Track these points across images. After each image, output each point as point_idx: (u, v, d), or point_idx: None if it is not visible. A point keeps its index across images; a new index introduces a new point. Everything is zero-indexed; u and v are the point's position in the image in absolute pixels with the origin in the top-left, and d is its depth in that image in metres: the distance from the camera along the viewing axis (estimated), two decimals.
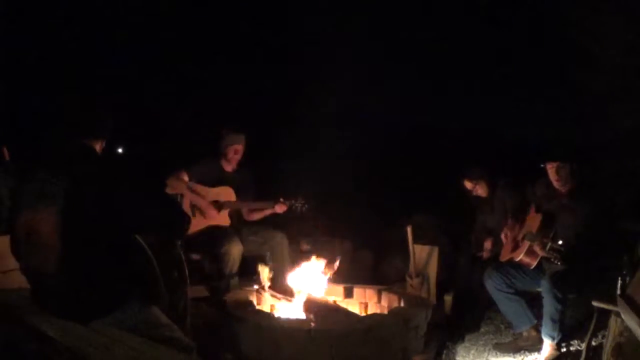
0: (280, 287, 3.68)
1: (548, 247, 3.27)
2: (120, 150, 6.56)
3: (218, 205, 4.13)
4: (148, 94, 6.88)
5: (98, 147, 2.34)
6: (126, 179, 2.20)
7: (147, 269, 2.21)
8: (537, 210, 3.68)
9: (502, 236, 3.86)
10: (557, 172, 3.50)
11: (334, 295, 3.80)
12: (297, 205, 4.21)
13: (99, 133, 2.34)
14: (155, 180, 3.86)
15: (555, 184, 3.54)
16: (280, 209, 4.22)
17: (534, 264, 3.49)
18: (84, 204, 2.07)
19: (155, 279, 2.23)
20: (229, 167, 4.29)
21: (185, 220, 2.39)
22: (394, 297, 3.71)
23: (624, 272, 2.91)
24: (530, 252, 3.50)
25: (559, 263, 3.26)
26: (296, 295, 3.53)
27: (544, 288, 3.34)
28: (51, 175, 2.12)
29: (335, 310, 3.43)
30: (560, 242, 3.24)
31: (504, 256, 3.79)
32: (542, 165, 3.60)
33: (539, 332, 3.47)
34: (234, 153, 4.22)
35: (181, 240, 2.54)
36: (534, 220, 3.64)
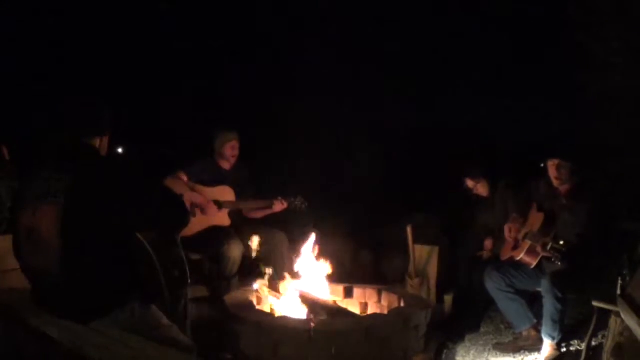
0: (278, 287, 3.68)
1: (549, 246, 3.27)
2: (120, 150, 6.57)
3: (218, 205, 4.13)
4: (148, 94, 6.88)
5: (101, 143, 2.34)
6: (127, 177, 2.21)
7: (148, 268, 2.21)
8: (539, 210, 3.68)
9: (506, 229, 3.81)
10: (558, 170, 3.50)
11: (334, 295, 3.80)
12: (296, 203, 4.22)
13: (100, 131, 2.34)
14: (156, 177, 3.86)
15: (555, 183, 3.55)
16: (279, 207, 4.22)
17: (535, 263, 3.49)
18: (85, 202, 2.07)
19: (156, 278, 2.23)
20: (227, 166, 4.30)
21: (186, 213, 2.40)
22: (394, 297, 3.71)
23: (624, 272, 2.91)
24: (531, 252, 3.51)
25: (559, 263, 3.27)
26: (295, 295, 3.53)
27: (544, 288, 3.34)
28: (53, 173, 2.13)
29: (335, 310, 3.43)
30: (562, 242, 3.25)
31: (505, 254, 3.79)
32: (542, 165, 3.61)
33: (539, 332, 3.48)
34: (231, 149, 4.24)
35: (180, 229, 2.53)
36: (535, 220, 3.65)
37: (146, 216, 2.20)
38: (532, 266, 3.50)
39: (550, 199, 3.63)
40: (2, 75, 6.03)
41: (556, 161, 3.49)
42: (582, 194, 3.49)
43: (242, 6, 6.81)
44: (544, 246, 3.34)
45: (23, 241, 2.14)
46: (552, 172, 3.53)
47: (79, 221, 2.05)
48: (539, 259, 3.47)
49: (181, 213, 2.35)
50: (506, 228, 3.80)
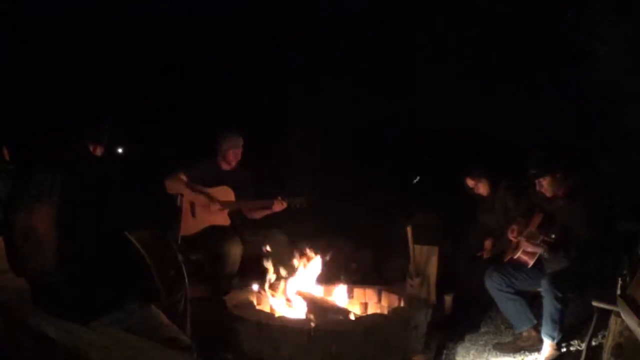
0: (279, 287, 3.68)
1: (540, 239, 3.31)
2: (120, 150, 6.56)
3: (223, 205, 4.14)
4: (147, 94, 6.88)
5: (95, 149, 2.37)
6: (119, 178, 2.23)
7: (143, 268, 2.22)
8: (539, 211, 3.69)
9: (509, 232, 3.83)
10: (540, 185, 3.57)
11: (334, 295, 3.80)
12: (296, 203, 4.23)
13: (97, 140, 2.38)
14: (149, 177, 3.88)
15: (546, 194, 3.59)
16: (279, 207, 4.23)
17: (532, 262, 3.49)
18: (79, 202, 2.08)
19: (149, 276, 2.24)
20: (227, 167, 4.30)
21: (178, 213, 2.43)
22: (394, 297, 3.72)
23: (624, 272, 2.91)
24: (527, 250, 3.52)
25: (545, 254, 3.35)
26: (296, 296, 3.54)
27: (544, 288, 3.34)
28: (48, 174, 2.14)
29: (335, 310, 3.43)
30: (553, 236, 3.29)
31: (507, 256, 3.79)
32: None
33: (539, 332, 3.48)
34: (235, 156, 4.26)
35: (172, 229, 2.55)
36: (535, 220, 3.66)
37: (138, 216, 2.21)
38: (530, 265, 3.50)
39: (549, 201, 3.65)
40: (3, 76, 6.03)
41: (537, 180, 3.56)
42: (578, 195, 3.50)
43: (241, 6, 6.81)
44: (535, 240, 3.38)
45: (19, 243, 2.15)
46: (539, 187, 3.59)
47: (73, 221, 2.06)
48: (536, 257, 3.47)
49: (173, 213, 2.38)
50: (510, 230, 3.81)
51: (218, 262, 3.92)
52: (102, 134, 2.41)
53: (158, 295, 2.28)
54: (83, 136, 2.33)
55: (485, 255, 4.35)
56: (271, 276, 3.63)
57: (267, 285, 3.62)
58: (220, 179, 4.25)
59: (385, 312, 3.60)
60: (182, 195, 4.02)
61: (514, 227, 3.76)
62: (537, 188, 3.60)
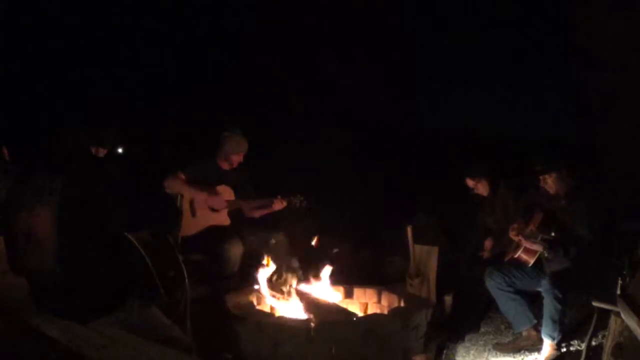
0: (279, 287, 3.68)
1: (540, 238, 3.31)
2: (120, 150, 6.56)
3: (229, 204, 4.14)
4: (147, 93, 6.88)
5: (97, 151, 2.38)
6: (118, 178, 2.23)
7: (142, 268, 2.22)
8: (540, 210, 3.69)
9: (510, 232, 3.83)
10: (545, 182, 3.58)
11: (334, 296, 3.80)
12: (295, 201, 4.22)
13: (99, 143, 2.39)
14: (150, 178, 3.87)
15: (550, 191, 3.59)
16: (278, 205, 4.22)
17: (532, 261, 3.50)
18: (78, 202, 2.08)
19: (149, 275, 2.24)
20: (226, 167, 4.30)
21: (177, 213, 2.43)
22: (394, 297, 3.72)
23: (624, 272, 2.91)
24: (527, 249, 3.52)
25: (545, 253, 3.34)
26: (295, 295, 3.54)
27: (544, 288, 3.34)
28: (48, 175, 2.14)
29: (335, 310, 3.43)
30: (553, 234, 3.29)
31: (507, 255, 3.79)
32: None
33: (539, 332, 3.48)
34: (238, 159, 4.26)
35: (172, 232, 2.55)
36: (535, 219, 3.66)
37: (137, 216, 2.21)
38: (530, 264, 3.50)
39: (550, 201, 3.65)
40: (5, 76, 6.03)
41: (541, 176, 3.57)
42: (579, 195, 3.50)
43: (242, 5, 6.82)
44: (535, 238, 3.38)
45: (20, 243, 2.15)
46: (543, 183, 3.59)
47: (74, 221, 2.07)
48: (536, 256, 3.47)
49: (172, 213, 2.38)
50: (510, 228, 3.81)
51: (218, 262, 3.91)
52: (106, 136, 2.42)
53: (158, 295, 2.28)
54: (85, 138, 2.34)
55: (485, 255, 4.34)
56: (271, 276, 3.63)
57: (266, 285, 3.61)
58: (220, 178, 4.24)
59: (385, 312, 3.60)
60: (182, 195, 4.02)
61: (515, 226, 3.76)
62: (542, 184, 3.60)
